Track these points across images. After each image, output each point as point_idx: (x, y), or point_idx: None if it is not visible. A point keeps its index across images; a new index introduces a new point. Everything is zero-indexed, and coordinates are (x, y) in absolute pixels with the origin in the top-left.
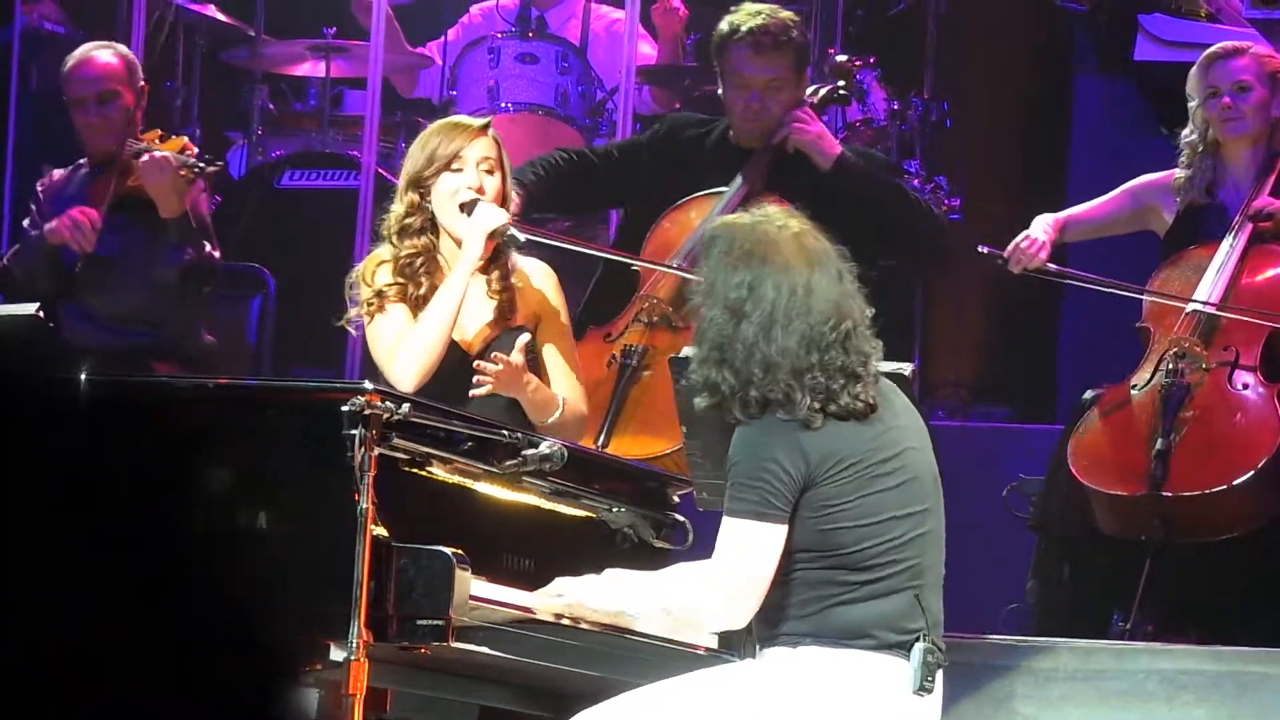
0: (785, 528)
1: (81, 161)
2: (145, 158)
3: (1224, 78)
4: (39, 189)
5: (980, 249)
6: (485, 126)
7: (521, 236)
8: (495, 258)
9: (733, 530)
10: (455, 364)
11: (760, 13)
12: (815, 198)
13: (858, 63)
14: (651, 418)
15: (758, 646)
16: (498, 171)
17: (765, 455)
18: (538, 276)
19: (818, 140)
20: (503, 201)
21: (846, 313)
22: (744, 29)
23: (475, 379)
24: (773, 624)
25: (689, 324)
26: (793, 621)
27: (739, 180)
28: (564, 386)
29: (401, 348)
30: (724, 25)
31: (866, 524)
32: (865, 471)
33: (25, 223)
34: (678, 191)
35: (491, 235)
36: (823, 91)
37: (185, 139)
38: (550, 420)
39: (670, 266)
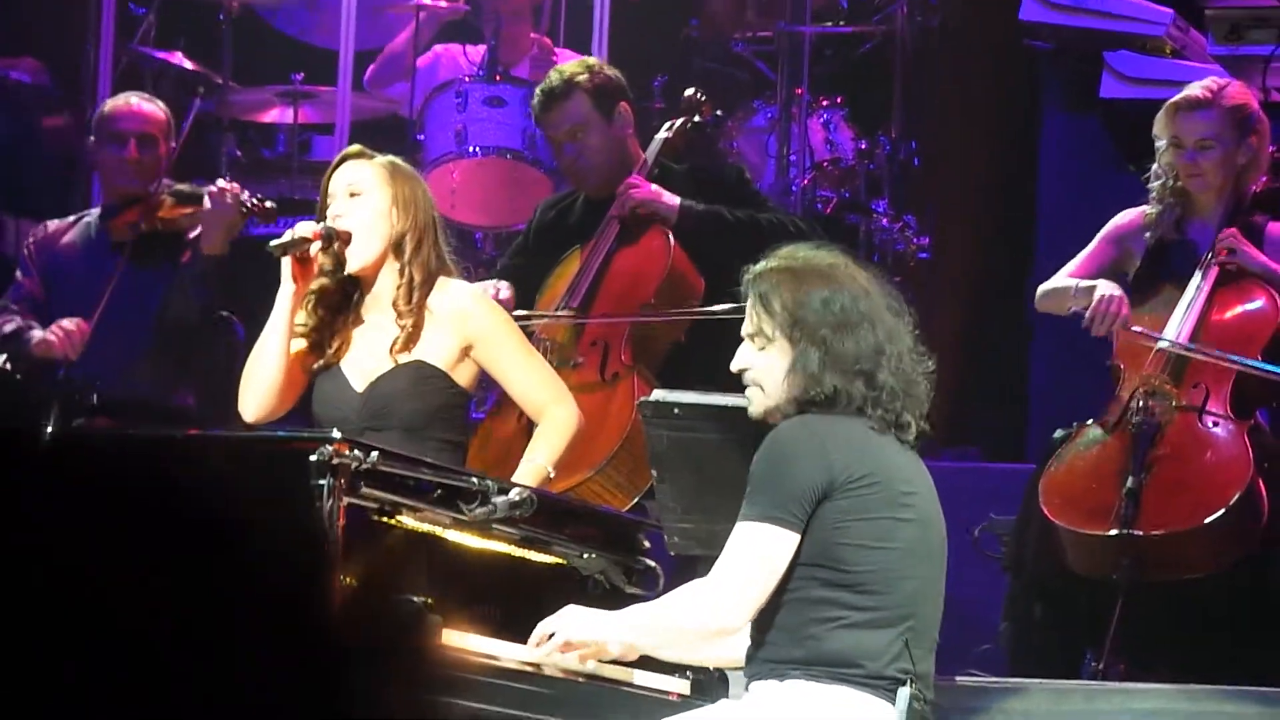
0: (797, 536)
1: (86, 212)
2: (213, 188)
3: (1188, 133)
4: (30, 241)
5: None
6: (352, 153)
7: (280, 242)
8: (400, 284)
9: (744, 532)
10: (350, 401)
11: (548, 76)
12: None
13: (702, 96)
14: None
15: (746, 680)
16: (372, 193)
17: (789, 463)
18: (462, 300)
19: (654, 201)
20: (405, 232)
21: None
22: (536, 94)
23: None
24: (765, 647)
25: (586, 360)
26: (785, 647)
27: (604, 225)
28: (535, 394)
29: (242, 382)
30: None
31: (874, 546)
32: (887, 494)
33: (18, 274)
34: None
35: (281, 250)
36: (676, 124)
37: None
38: (553, 475)
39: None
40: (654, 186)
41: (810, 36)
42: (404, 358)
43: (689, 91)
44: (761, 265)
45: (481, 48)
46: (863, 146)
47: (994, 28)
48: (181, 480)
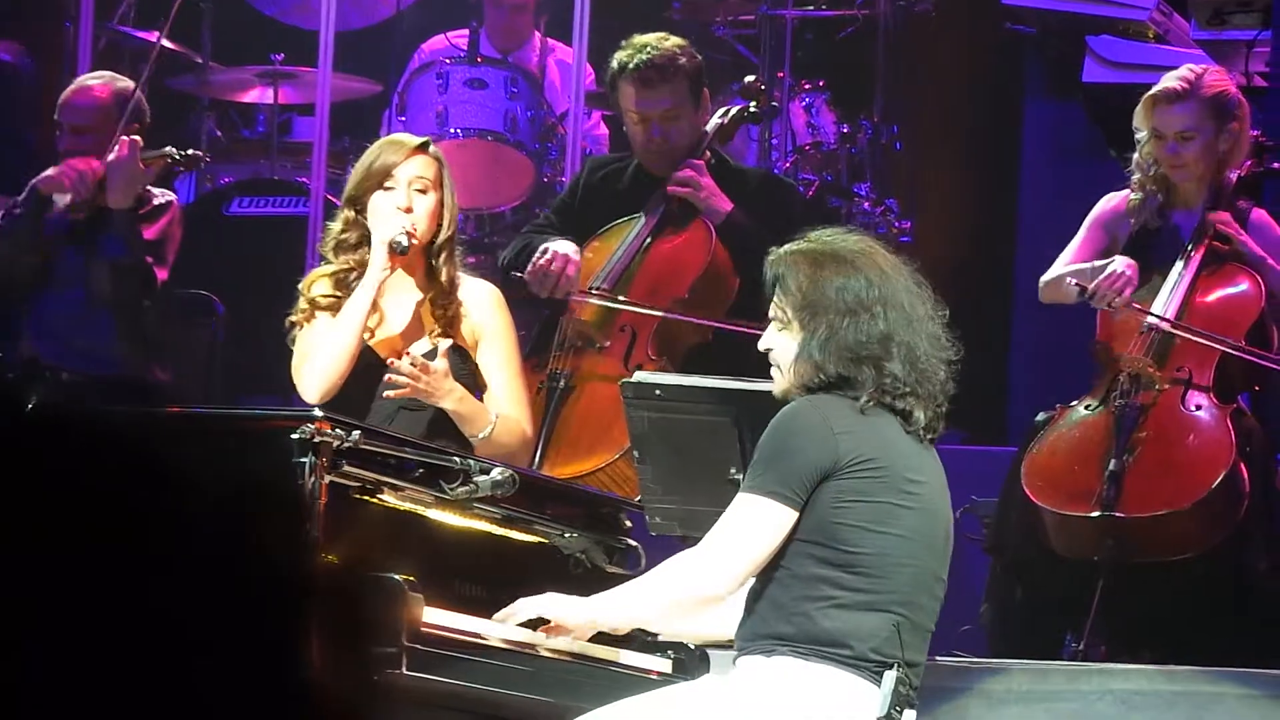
0: (795, 514)
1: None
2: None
3: (1167, 125)
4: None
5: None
6: (423, 145)
7: (406, 242)
8: (434, 275)
9: (743, 503)
10: (378, 377)
11: (645, 46)
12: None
13: (763, 85)
14: (581, 436)
15: (735, 653)
16: (434, 191)
17: (795, 440)
18: (479, 297)
19: (707, 200)
20: (439, 221)
21: (922, 326)
22: (630, 65)
23: (387, 377)
24: (756, 621)
25: (613, 345)
26: (775, 622)
27: (650, 205)
28: (505, 404)
29: (307, 360)
30: (613, 63)
31: (874, 529)
32: (891, 480)
33: None
34: (601, 224)
35: (404, 250)
36: (733, 112)
37: (171, 148)
38: (482, 435)
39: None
40: (709, 183)
41: (792, 20)
42: (442, 343)
43: (749, 79)
44: (785, 248)
45: (465, 31)
46: (845, 130)
47: (976, 11)
48: (160, 457)
